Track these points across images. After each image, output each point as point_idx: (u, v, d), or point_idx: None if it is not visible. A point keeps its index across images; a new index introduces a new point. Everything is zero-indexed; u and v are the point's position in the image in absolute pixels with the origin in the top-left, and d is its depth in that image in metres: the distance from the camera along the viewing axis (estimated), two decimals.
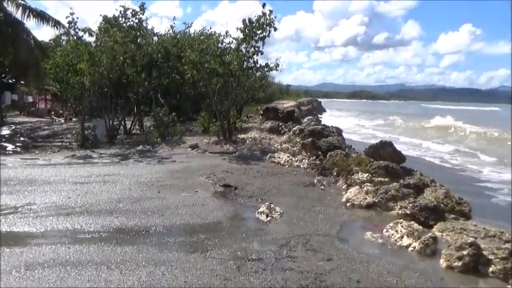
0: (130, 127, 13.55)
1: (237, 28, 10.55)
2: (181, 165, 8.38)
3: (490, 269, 3.70)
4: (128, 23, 12.27)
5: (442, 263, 3.86)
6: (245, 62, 10.92)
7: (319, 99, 56.73)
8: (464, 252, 3.77)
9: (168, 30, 17.06)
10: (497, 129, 23.31)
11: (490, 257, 3.77)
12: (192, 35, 17.03)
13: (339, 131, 11.38)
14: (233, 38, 11.06)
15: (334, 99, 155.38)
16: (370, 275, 3.58)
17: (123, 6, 12.11)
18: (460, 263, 3.74)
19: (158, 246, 4.12)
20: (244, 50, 10.83)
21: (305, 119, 15.36)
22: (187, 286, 3.27)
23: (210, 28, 16.95)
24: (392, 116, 38.22)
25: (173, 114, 12.21)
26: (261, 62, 11.59)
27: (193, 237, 4.40)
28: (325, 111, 49.35)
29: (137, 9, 12.27)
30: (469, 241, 3.87)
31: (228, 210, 5.44)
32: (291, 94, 51.60)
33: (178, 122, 13.12)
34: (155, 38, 15.96)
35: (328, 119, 31.16)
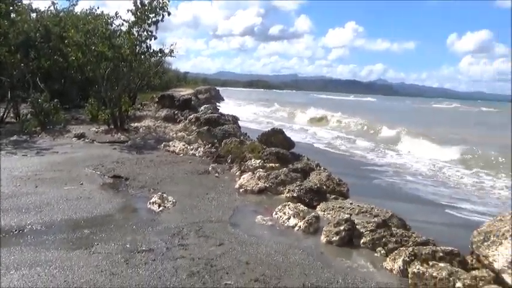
0: (3, 115, 11.93)
1: (128, 10, 9.96)
2: (64, 156, 7.68)
3: (362, 241, 4.17)
4: None
5: (323, 239, 4.23)
6: (137, 47, 10.38)
7: (217, 88, 56.94)
8: (341, 228, 4.18)
9: (49, 7, 15.34)
10: (366, 118, 25.78)
11: (361, 230, 4.25)
12: (78, 14, 15.57)
13: (234, 119, 11.59)
14: (124, 20, 10.41)
15: (232, 88, 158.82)
16: (259, 255, 3.76)
17: None
18: (337, 238, 4.14)
19: (34, 246, 3.74)
20: (136, 34, 10.29)
21: (202, 107, 15.28)
22: (67, 285, 3.04)
23: (98, 8, 15.65)
24: (284, 105, 40.38)
25: (55, 100, 11.06)
26: (156, 47, 11.22)
27: (76, 233, 4.09)
28: (223, 99, 49.86)
29: None
30: (345, 217, 4.30)
31: (117, 202, 5.17)
32: (188, 82, 50.63)
33: (63, 109, 11.95)
34: (33, 15, 14.27)
35: (226, 107, 31.57)
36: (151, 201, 5.11)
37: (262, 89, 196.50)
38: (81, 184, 5.80)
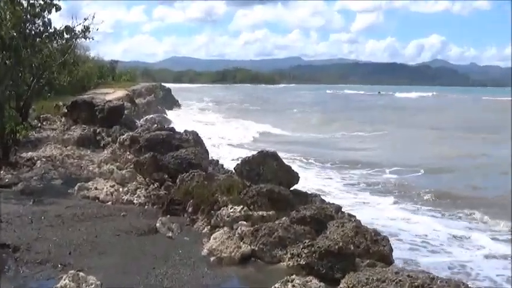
0: None
1: None
2: None
3: None
4: None
5: None
6: (28, 24, 10.44)
7: (167, 85, 57.34)
8: None
9: None
10: None
11: None
12: None
13: (197, 139, 11.60)
14: None
15: (193, 85, 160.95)
16: None
17: None
18: None
19: None
20: (25, 4, 10.38)
21: (142, 120, 15.35)
22: None
23: None
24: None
25: None
26: (63, 23, 11.32)
27: None
28: (178, 105, 50.27)
29: None
30: None
31: None
32: (119, 77, 50.84)
33: None
34: None
35: (184, 118, 31.78)
36: (57, 286, 5.05)
37: (245, 83, 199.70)
38: None
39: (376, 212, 12.66)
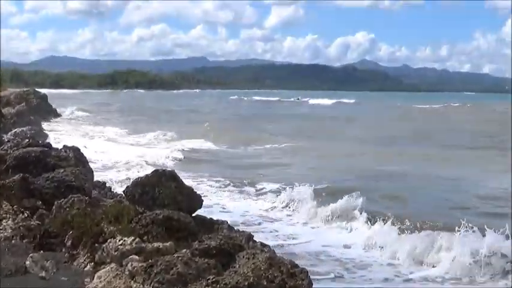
0: None
1: None
2: None
3: None
4: None
5: None
6: None
7: (43, 91, 56.70)
8: None
9: None
10: None
11: None
12: None
13: (79, 156, 11.08)
14: None
15: (75, 90, 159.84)
16: None
17: None
18: None
19: None
20: None
21: (10, 134, 14.61)
22: None
23: None
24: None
25: None
26: None
27: None
28: (57, 114, 49.61)
29: None
30: None
31: None
32: None
33: None
34: None
35: (65, 132, 31.02)
36: None
37: (141, 90, 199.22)
38: None
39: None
